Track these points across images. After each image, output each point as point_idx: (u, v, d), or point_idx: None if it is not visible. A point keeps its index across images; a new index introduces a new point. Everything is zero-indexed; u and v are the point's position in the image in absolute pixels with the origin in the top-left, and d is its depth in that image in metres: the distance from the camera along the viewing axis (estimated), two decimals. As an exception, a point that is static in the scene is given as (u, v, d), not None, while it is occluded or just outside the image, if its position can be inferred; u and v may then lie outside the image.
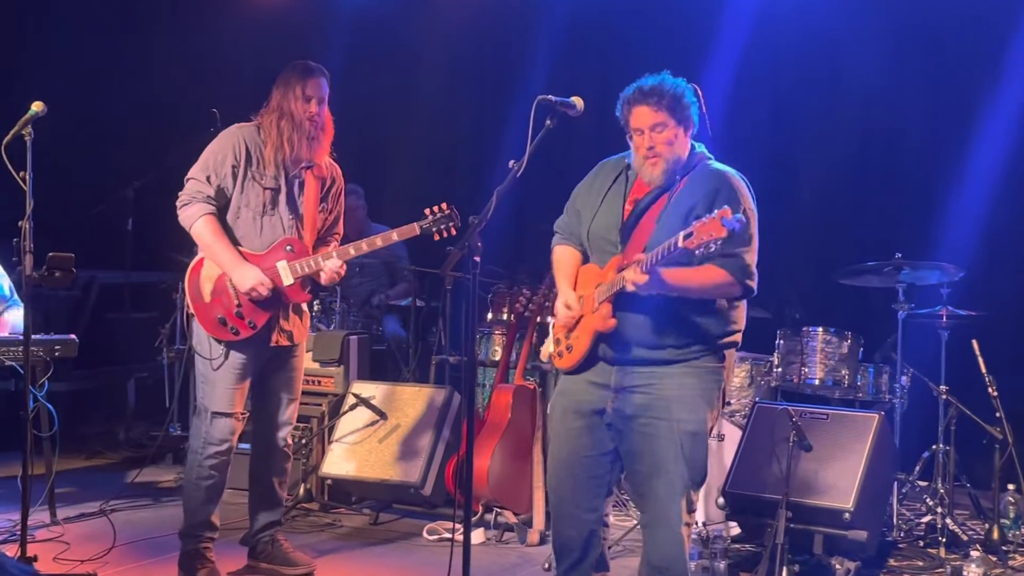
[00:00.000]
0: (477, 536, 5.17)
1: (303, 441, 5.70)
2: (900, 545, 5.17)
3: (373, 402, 5.67)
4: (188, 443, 4.53)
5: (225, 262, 4.32)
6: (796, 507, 4.70)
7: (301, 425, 5.82)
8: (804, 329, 5.73)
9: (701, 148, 3.69)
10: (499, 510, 5.33)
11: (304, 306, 4.60)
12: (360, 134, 8.34)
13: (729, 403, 5.70)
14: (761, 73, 6.98)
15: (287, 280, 4.36)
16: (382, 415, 5.65)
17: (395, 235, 4.43)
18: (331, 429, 5.75)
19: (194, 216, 4.34)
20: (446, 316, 6.64)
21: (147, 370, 7.18)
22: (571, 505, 3.69)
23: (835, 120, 7.10)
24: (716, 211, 3.15)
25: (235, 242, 4.38)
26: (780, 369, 5.74)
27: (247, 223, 4.39)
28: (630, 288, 3.38)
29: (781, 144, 7.12)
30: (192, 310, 4.41)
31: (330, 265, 4.37)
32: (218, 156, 4.39)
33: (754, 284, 3.55)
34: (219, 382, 4.38)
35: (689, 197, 3.53)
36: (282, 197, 4.41)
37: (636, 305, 3.50)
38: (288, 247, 4.39)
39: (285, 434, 4.61)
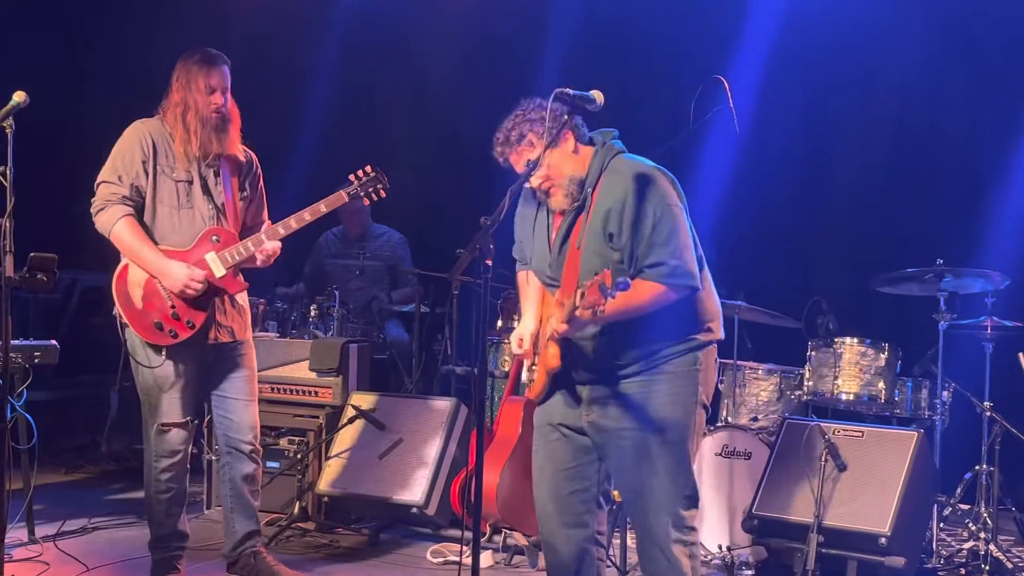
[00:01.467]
0: (485, 559, 5.18)
1: (299, 456, 5.73)
2: (940, 573, 5.16)
3: (374, 415, 5.69)
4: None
5: (150, 264, 4.41)
6: (828, 531, 4.71)
7: (297, 439, 5.86)
8: (837, 340, 5.73)
9: (609, 142, 3.69)
10: (508, 531, 5.35)
11: (244, 302, 4.70)
12: (363, 132, 8.37)
13: (756, 419, 5.72)
14: (791, 72, 6.98)
15: (219, 271, 4.48)
16: (383, 429, 5.67)
17: (323, 206, 4.56)
18: (328, 443, 5.77)
19: (111, 220, 4.44)
20: (453, 323, 6.66)
21: (130, 379, 7.14)
22: (557, 522, 3.77)
23: (871, 121, 7.10)
24: (595, 277, 3.21)
25: (156, 241, 4.47)
26: (811, 383, 5.74)
27: (164, 219, 4.49)
28: (556, 337, 3.50)
29: (813, 146, 7.13)
30: (125, 319, 4.50)
31: (266, 248, 4.49)
32: (126, 155, 4.50)
33: (694, 282, 3.56)
34: (163, 392, 4.49)
35: (602, 208, 3.57)
36: (196, 189, 4.52)
37: (586, 336, 3.59)
38: (214, 237, 4.50)
39: (249, 439, 4.70)
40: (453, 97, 8.28)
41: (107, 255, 7.18)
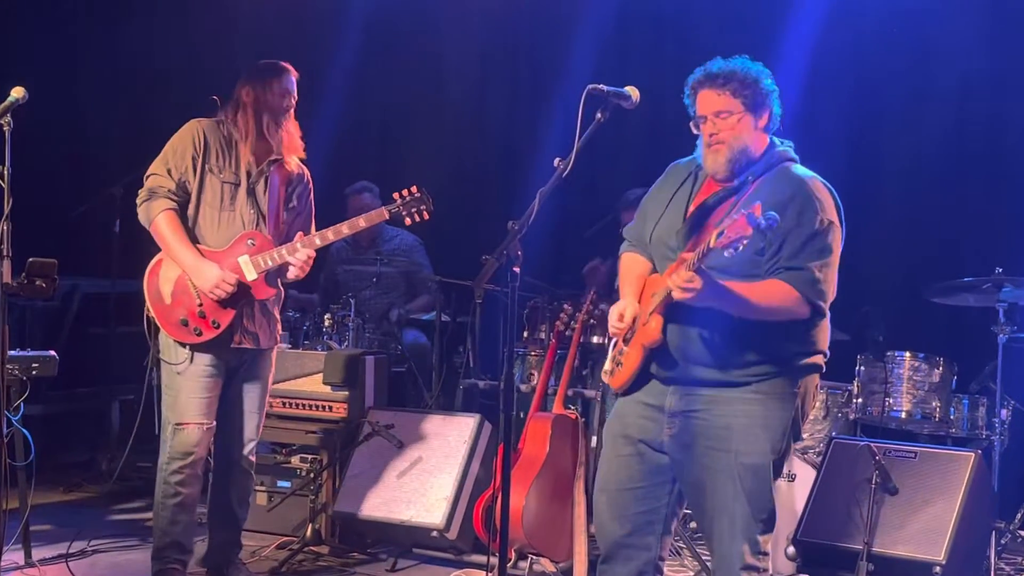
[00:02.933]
0: (510, 587, 5.19)
1: (311, 475, 5.75)
2: (998, 604, 5.15)
3: (391, 431, 5.70)
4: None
5: (185, 261, 4.64)
6: (879, 559, 4.70)
7: (310, 457, 5.88)
8: (889, 354, 5.72)
9: (786, 147, 3.75)
10: (535, 557, 5.35)
11: (275, 311, 4.91)
12: (379, 134, 8.42)
13: (801, 438, 5.69)
14: (839, 56, 6.96)
15: (250, 275, 4.69)
16: (402, 446, 5.68)
17: (362, 221, 4.79)
18: (343, 462, 5.78)
19: (154, 212, 4.68)
20: (475, 334, 6.67)
21: (134, 392, 7.20)
22: (619, 543, 3.77)
23: (926, 111, 7.06)
24: (746, 207, 3.20)
25: (196, 239, 4.71)
26: (860, 400, 5.73)
27: (206, 219, 4.73)
28: (676, 294, 3.40)
29: (863, 139, 7.10)
30: (152, 314, 4.71)
31: (299, 257, 4.69)
32: (178, 149, 4.74)
33: (824, 305, 3.58)
34: (183, 390, 4.69)
35: (760, 199, 3.55)
36: (241, 192, 4.75)
37: (692, 318, 3.56)
38: (250, 241, 4.72)
39: (248, 452, 4.89)
40: (474, 93, 8.32)
41: (109, 260, 7.28)
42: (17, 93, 4.26)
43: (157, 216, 4.66)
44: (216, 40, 8.25)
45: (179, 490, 4.69)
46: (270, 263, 4.69)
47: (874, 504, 4.77)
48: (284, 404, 5.96)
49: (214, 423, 4.76)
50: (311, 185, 5.01)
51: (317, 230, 4.84)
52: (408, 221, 4.79)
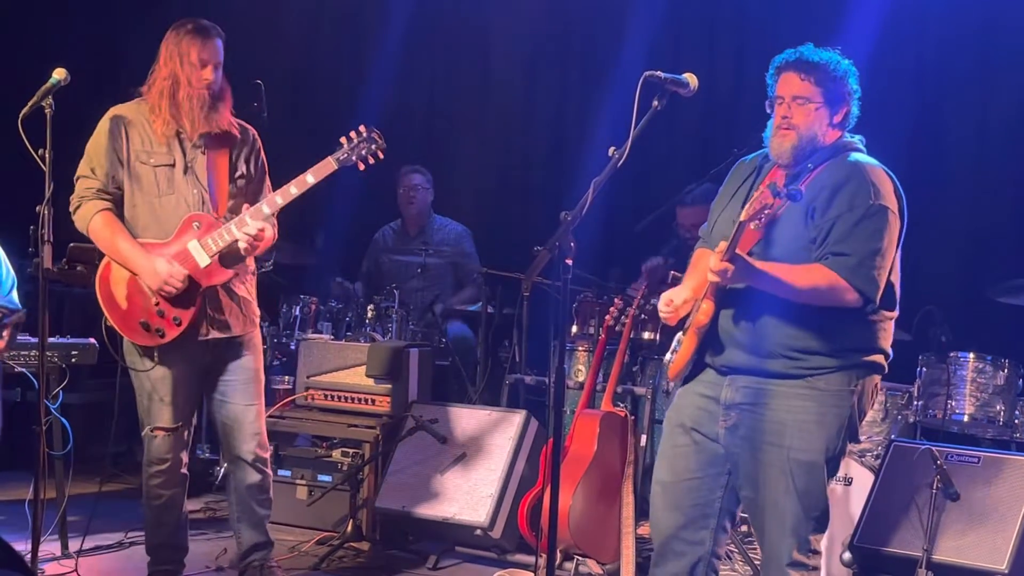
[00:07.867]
0: (555, 588, 5.20)
1: (352, 470, 5.78)
2: (1064, 617, 5.10)
3: (435, 426, 5.73)
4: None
5: (129, 259, 4.49)
6: (939, 567, 4.67)
7: (351, 451, 5.92)
8: (951, 355, 5.68)
9: (855, 140, 3.79)
10: (581, 558, 5.36)
11: (246, 293, 4.70)
12: (424, 118, 8.43)
13: (859, 440, 5.67)
14: (902, 35, 6.88)
15: (203, 261, 4.50)
16: (445, 442, 5.71)
17: (309, 177, 4.51)
18: (385, 457, 5.82)
19: (87, 215, 4.53)
20: (522, 328, 6.68)
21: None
22: (671, 536, 3.82)
23: (993, 93, 6.95)
24: (765, 182, 3.33)
25: (138, 234, 4.53)
26: (921, 402, 5.70)
27: (145, 210, 4.55)
28: (712, 278, 3.49)
29: (925, 123, 7.01)
30: (111, 322, 4.60)
31: (248, 231, 4.45)
32: (98, 146, 4.58)
33: (873, 292, 3.59)
34: (153, 395, 4.60)
35: (816, 187, 3.62)
36: (178, 172, 4.56)
37: (742, 303, 3.62)
38: (195, 224, 4.53)
39: (252, 446, 4.74)
40: (525, 75, 8.30)
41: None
42: (59, 74, 4.29)
43: (92, 219, 4.52)
44: (260, 24, 8.30)
45: (160, 492, 4.67)
46: (220, 244, 4.48)
47: (934, 510, 4.74)
48: (325, 397, 6.00)
49: (186, 424, 4.68)
50: (260, 145, 4.78)
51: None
52: (361, 166, 4.51)
